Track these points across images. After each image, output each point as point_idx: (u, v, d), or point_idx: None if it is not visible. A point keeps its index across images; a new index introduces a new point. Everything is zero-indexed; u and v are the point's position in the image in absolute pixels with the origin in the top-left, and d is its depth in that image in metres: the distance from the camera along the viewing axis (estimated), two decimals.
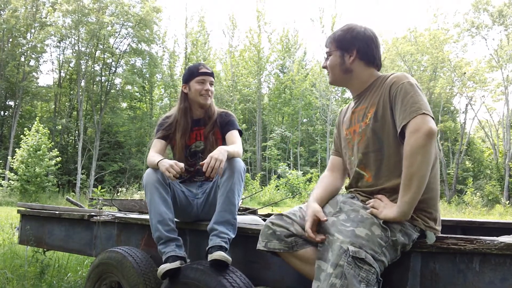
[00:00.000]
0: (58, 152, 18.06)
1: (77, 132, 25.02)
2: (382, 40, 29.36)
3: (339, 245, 1.38)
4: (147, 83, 27.91)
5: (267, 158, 27.48)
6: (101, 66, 26.05)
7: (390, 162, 1.55)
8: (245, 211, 3.06)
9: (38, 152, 16.81)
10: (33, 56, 24.77)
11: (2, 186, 16.90)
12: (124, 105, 29.25)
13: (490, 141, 25.88)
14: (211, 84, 2.37)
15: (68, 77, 27.48)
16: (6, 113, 26.00)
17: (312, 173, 22.23)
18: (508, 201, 17.73)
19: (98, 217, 2.66)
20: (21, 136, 17.56)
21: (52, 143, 19.07)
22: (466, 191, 18.58)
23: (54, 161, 17.14)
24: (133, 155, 26.15)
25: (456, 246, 1.36)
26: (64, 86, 27.04)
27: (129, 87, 27.79)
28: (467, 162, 26.29)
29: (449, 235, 1.44)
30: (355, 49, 1.66)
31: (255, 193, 17.71)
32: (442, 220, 2.41)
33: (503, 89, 23.12)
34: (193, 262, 1.92)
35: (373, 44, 1.67)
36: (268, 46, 36.69)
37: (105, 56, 26.00)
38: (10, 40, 23.82)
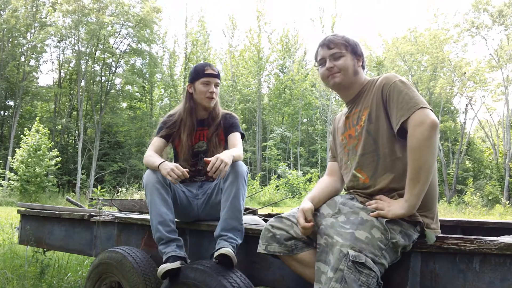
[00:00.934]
0: (58, 152, 18.06)
1: (77, 132, 25.03)
2: (382, 40, 29.41)
3: (339, 248, 1.38)
4: (147, 83, 27.93)
5: (267, 158, 27.48)
6: (101, 66, 26.06)
7: (386, 161, 1.56)
8: (245, 211, 3.06)
9: (38, 152, 16.81)
10: (33, 56, 24.78)
11: (2, 186, 16.90)
12: (124, 105, 29.26)
13: (490, 141, 25.88)
14: (216, 85, 2.32)
15: (68, 77, 27.49)
16: (6, 113, 26.01)
17: (312, 173, 22.24)
18: (508, 201, 17.73)
19: (98, 217, 2.66)
20: (21, 136, 17.56)
21: (52, 143, 19.07)
22: (466, 191, 18.58)
23: (54, 161, 17.15)
24: (133, 155, 26.15)
25: (456, 246, 1.36)
26: (64, 86, 27.05)
27: (129, 87, 27.81)
28: (467, 162, 26.30)
29: (449, 235, 1.44)
30: (361, 56, 1.74)
31: (255, 193, 17.71)
32: (442, 220, 2.42)
33: (503, 89, 23.13)
34: (193, 262, 1.92)
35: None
36: (268, 46, 36.75)
37: (105, 56, 26.01)
38: (10, 40, 23.82)
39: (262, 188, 20.11)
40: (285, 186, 20.73)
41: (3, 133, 25.37)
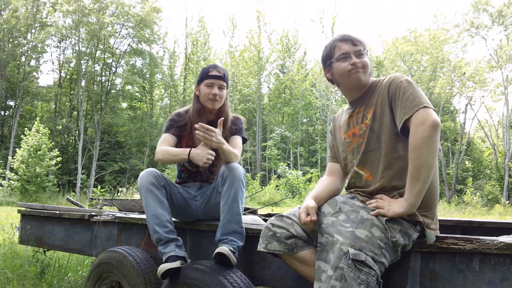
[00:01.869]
0: (59, 152, 18.06)
1: (77, 132, 25.03)
2: (382, 40, 29.41)
3: (339, 247, 1.39)
4: (147, 83, 27.93)
5: (267, 158, 27.48)
6: (101, 66, 26.06)
7: (387, 160, 1.56)
8: (245, 211, 3.07)
9: (39, 152, 16.81)
10: (34, 56, 24.80)
11: (2, 186, 16.90)
12: (124, 105, 29.26)
13: (489, 141, 25.89)
14: (220, 88, 2.27)
15: (68, 77, 27.49)
16: (6, 113, 26.00)
17: (312, 173, 22.24)
18: (508, 201, 17.73)
19: (98, 217, 2.66)
20: (22, 136, 17.56)
21: (53, 143, 19.07)
22: (465, 191, 18.57)
23: (54, 161, 17.15)
24: (133, 155, 26.16)
25: (456, 246, 1.36)
26: (65, 86, 27.06)
27: (129, 87, 27.81)
28: (466, 162, 26.29)
29: (448, 235, 1.44)
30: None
31: (255, 193, 17.71)
32: (442, 220, 2.42)
33: (502, 89, 23.13)
34: (194, 262, 1.93)
35: None
36: (268, 46, 36.79)
37: (106, 56, 26.01)
38: (11, 40, 23.83)
39: (262, 188, 20.11)
40: (285, 186, 20.73)
41: (4, 133, 25.38)
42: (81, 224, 2.84)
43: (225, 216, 1.93)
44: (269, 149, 26.75)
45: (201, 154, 2.02)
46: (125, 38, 25.78)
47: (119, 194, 15.45)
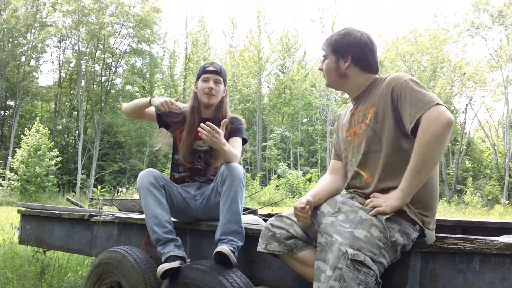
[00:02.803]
0: (58, 152, 18.05)
1: (77, 132, 25.03)
2: (382, 40, 29.39)
3: (337, 247, 1.39)
4: (147, 83, 27.92)
5: (267, 158, 27.48)
6: (101, 66, 26.06)
7: (388, 162, 1.55)
8: (245, 211, 3.06)
9: (38, 152, 16.80)
10: (34, 56, 24.79)
11: (2, 186, 16.90)
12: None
13: (490, 141, 25.88)
14: (216, 82, 2.29)
15: (68, 77, 27.49)
16: (6, 113, 26.01)
17: (312, 173, 22.23)
18: (508, 201, 17.73)
19: (98, 217, 2.66)
20: (21, 136, 17.55)
21: (52, 143, 19.06)
22: (466, 191, 18.58)
23: (54, 161, 17.14)
24: (133, 155, 26.15)
25: (456, 246, 1.36)
26: (64, 86, 27.05)
27: (129, 87, 27.80)
28: (467, 162, 26.29)
29: (449, 235, 1.44)
30: (350, 55, 1.66)
31: (255, 193, 17.71)
32: (442, 220, 2.42)
33: (503, 89, 23.13)
34: (193, 262, 1.92)
35: (368, 51, 1.67)
36: (268, 46, 36.76)
37: (105, 56, 26.01)
38: (11, 40, 23.82)
39: (262, 188, 20.11)
40: (285, 186, 20.73)
41: (3, 133, 25.37)
42: (81, 224, 2.84)
43: (224, 216, 1.93)
44: (269, 149, 26.75)
45: (161, 99, 2.17)
46: (125, 38, 25.79)
47: (119, 194, 15.45)
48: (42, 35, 23.29)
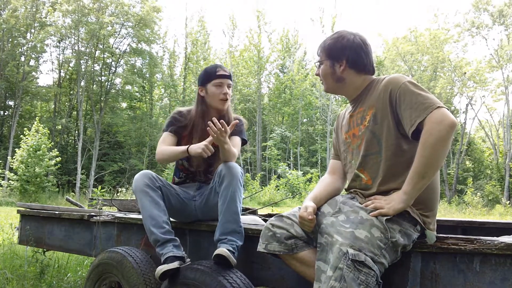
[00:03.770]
0: (58, 152, 18.05)
1: (77, 132, 25.03)
2: (382, 40, 29.40)
3: (338, 247, 1.38)
4: (147, 83, 27.93)
5: (267, 158, 27.48)
6: (101, 66, 26.06)
7: (388, 164, 1.55)
8: (245, 211, 3.06)
9: (38, 152, 16.80)
10: (33, 56, 24.79)
11: (2, 186, 16.90)
12: (124, 105, 29.25)
13: (490, 141, 25.89)
14: (228, 87, 2.27)
15: (68, 77, 27.49)
16: (6, 113, 26.01)
17: (312, 173, 22.23)
18: (509, 201, 17.73)
19: (98, 217, 2.66)
20: (21, 136, 17.54)
21: (52, 143, 19.06)
22: (466, 191, 18.58)
23: (54, 161, 17.13)
24: (133, 155, 26.15)
25: (457, 246, 1.35)
26: (64, 86, 27.05)
27: (129, 87, 27.81)
28: (467, 162, 26.30)
29: (449, 235, 1.44)
30: (344, 59, 1.66)
31: (255, 193, 17.71)
32: (443, 220, 2.42)
33: (503, 89, 23.15)
34: (193, 262, 1.92)
35: (362, 52, 1.66)
36: (268, 46, 36.77)
37: (105, 56, 26.01)
38: (10, 40, 23.82)
39: (262, 188, 20.11)
40: (285, 186, 20.72)
41: (3, 133, 25.36)
42: (81, 225, 2.84)
43: (223, 216, 1.92)
44: (269, 149, 26.75)
45: (198, 145, 2.05)
46: (125, 37, 25.80)
47: (118, 194, 15.45)
48: (42, 35, 23.29)
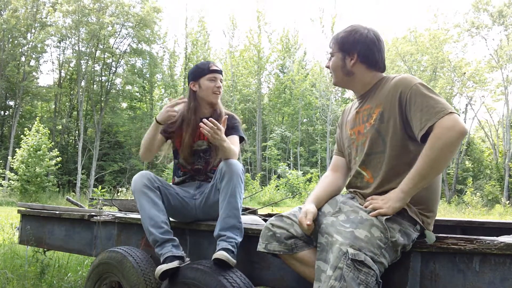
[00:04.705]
0: (58, 152, 18.05)
1: (77, 132, 25.03)
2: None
3: (338, 247, 1.38)
4: (147, 83, 27.93)
5: (267, 158, 27.48)
6: (101, 66, 26.06)
7: (392, 164, 1.54)
8: (245, 211, 3.06)
9: (38, 152, 16.80)
10: (33, 56, 24.80)
11: (2, 186, 16.90)
12: (124, 105, 29.26)
13: (490, 141, 25.88)
14: (220, 81, 2.35)
15: (68, 77, 27.49)
16: (6, 113, 26.01)
17: (312, 173, 22.23)
18: (508, 201, 17.72)
19: (98, 217, 2.66)
20: (21, 136, 17.55)
21: (52, 143, 19.06)
22: (466, 191, 18.57)
23: (54, 161, 17.13)
24: (133, 155, 26.14)
25: (456, 246, 1.36)
26: (64, 86, 27.05)
27: (129, 87, 27.81)
28: (467, 162, 26.28)
29: (449, 235, 1.44)
30: (356, 53, 1.64)
31: (255, 193, 17.71)
32: (442, 220, 2.42)
33: (503, 89, 23.13)
34: (193, 262, 1.92)
35: (375, 48, 1.64)
36: (268, 46, 36.74)
37: (105, 56, 26.01)
38: (11, 40, 23.82)
39: (262, 188, 20.11)
40: (285, 186, 20.72)
41: (3, 133, 25.37)
42: (81, 224, 2.84)
43: (224, 211, 1.93)
44: (269, 149, 26.75)
45: (163, 111, 2.14)
46: (125, 38, 25.81)
47: (119, 194, 15.45)
48: (42, 35, 23.29)
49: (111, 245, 2.59)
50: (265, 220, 2.57)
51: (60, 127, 26.11)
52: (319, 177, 21.54)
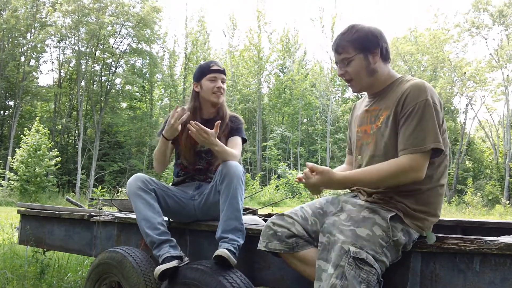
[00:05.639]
0: (58, 152, 18.05)
1: (77, 132, 25.03)
2: None
3: (340, 245, 1.38)
4: (147, 83, 27.93)
5: (267, 158, 27.48)
6: (101, 66, 26.06)
7: None
8: (245, 211, 3.06)
9: (38, 152, 16.80)
10: (33, 56, 24.80)
11: (2, 186, 16.89)
12: (124, 105, 29.26)
13: (490, 141, 25.89)
14: (223, 81, 2.30)
15: (68, 77, 27.49)
16: (6, 113, 26.00)
17: None
18: (508, 201, 17.73)
19: (98, 217, 2.66)
20: (21, 136, 17.54)
21: (52, 143, 19.06)
22: (466, 191, 18.57)
23: (54, 161, 17.13)
24: (133, 155, 26.15)
25: (456, 246, 1.36)
26: (64, 86, 27.05)
27: (129, 87, 27.81)
28: (467, 162, 26.28)
29: (449, 235, 1.44)
30: (378, 48, 1.59)
31: (255, 193, 17.71)
32: (442, 220, 2.42)
33: (503, 89, 23.14)
34: (193, 262, 1.92)
35: (386, 38, 1.64)
36: (268, 46, 36.78)
37: (105, 56, 26.01)
38: (10, 40, 23.82)
39: (262, 188, 20.11)
40: (285, 186, 20.72)
41: (3, 133, 25.37)
42: (81, 224, 2.84)
43: (225, 213, 1.92)
44: (269, 149, 26.75)
45: (168, 128, 2.13)
46: (125, 38, 25.81)
47: (118, 194, 15.44)
48: (42, 35, 23.29)
49: (111, 245, 2.58)
50: (265, 220, 2.56)
51: (60, 127, 26.11)
52: None
